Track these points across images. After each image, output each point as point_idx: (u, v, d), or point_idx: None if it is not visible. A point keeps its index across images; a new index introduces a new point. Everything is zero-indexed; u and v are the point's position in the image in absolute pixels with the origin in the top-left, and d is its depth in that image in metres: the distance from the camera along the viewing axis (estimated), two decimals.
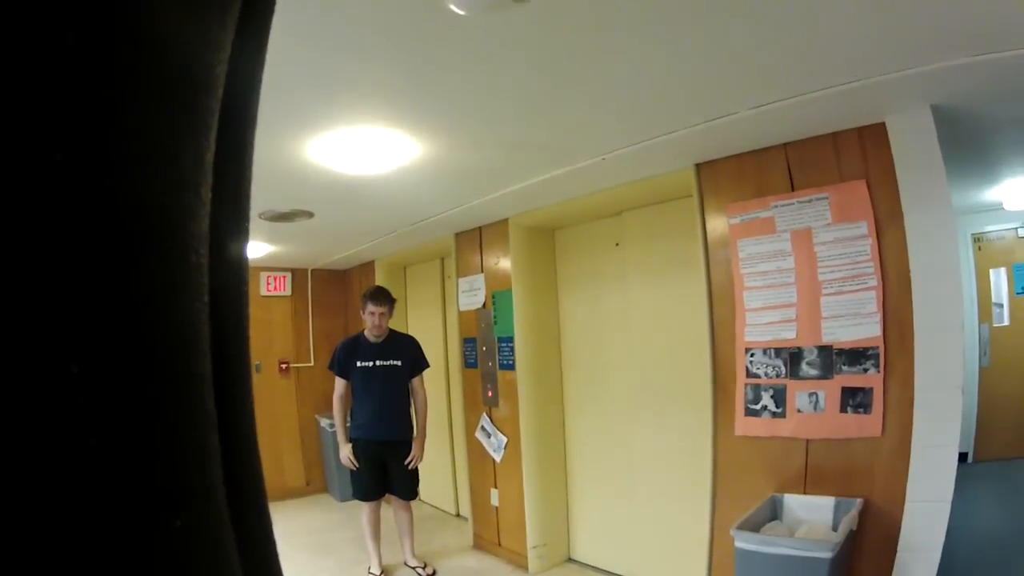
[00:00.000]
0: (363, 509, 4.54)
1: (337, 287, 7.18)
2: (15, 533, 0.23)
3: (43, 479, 0.24)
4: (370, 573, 4.49)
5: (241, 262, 0.41)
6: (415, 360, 4.51)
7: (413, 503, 4.64)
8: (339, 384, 4.46)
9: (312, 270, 6.97)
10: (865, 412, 2.62)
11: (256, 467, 0.44)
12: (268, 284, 6.69)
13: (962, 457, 5.24)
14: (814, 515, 2.75)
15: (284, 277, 6.78)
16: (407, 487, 4.53)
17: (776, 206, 2.86)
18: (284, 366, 6.70)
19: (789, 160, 2.85)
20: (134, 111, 0.28)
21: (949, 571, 2.57)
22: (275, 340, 6.70)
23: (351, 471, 4.50)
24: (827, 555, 2.33)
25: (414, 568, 4.58)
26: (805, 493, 2.82)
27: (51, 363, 0.25)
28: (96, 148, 0.26)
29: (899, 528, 2.55)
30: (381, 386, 4.39)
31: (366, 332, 4.44)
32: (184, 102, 0.31)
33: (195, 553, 0.32)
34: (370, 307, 4.35)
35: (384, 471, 4.47)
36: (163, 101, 0.30)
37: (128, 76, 0.28)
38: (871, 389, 2.60)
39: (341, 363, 4.44)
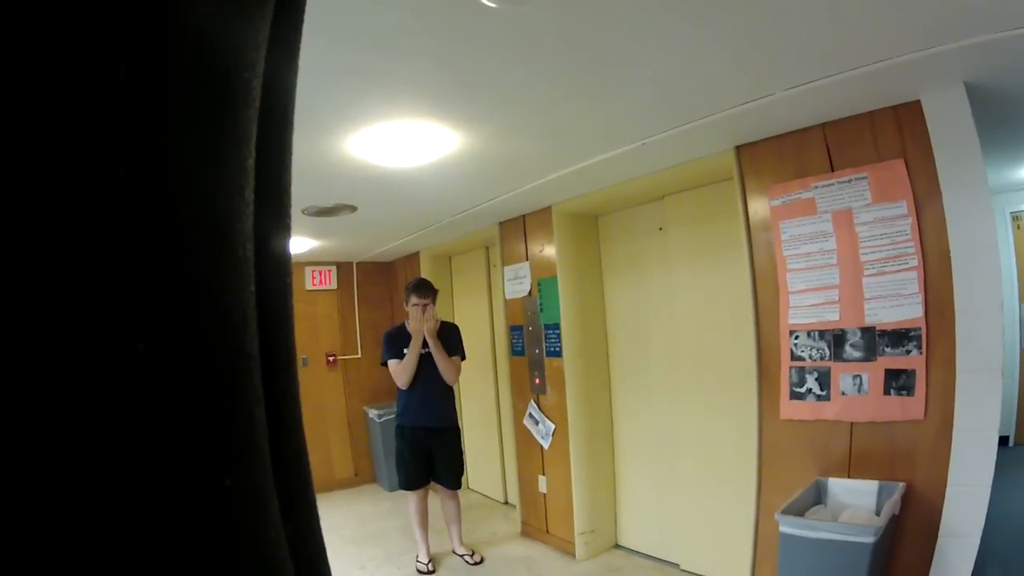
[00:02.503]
0: (410, 498, 4.67)
1: (382, 279, 7.34)
2: (91, 491, 0.27)
3: (112, 443, 0.28)
4: (418, 562, 4.61)
5: (284, 256, 0.45)
6: (452, 346, 4.60)
7: (462, 492, 4.75)
8: (393, 363, 4.50)
9: (357, 263, 7.15)
10: (908, 395, 2.65)
11: (300, 443, 0.48)
12: (314, 278, 6.87)
13: (1003, 441, 5.15)
14: (857, 499, 2.78)
15: (329, 271, 6.95)
16: (452, 476, 4.68)
17: (816, 187, 2.88)
18: (331, 359, 6.88)
19: (828, 140, 2.88)
20: (185, 128, 0.32)
21: (988, 557, 2.58)
22: (321, 333, 6.89)
23: (397, 461, 4.63)
24: (870, 540, 2.37)
25: (462, 556, 4.72)
26: (849, 477, 2.85)
27: (122, 342, 0.29)
28: (153, 162, 0.30)
29: (940, 513, 2.58)
30: (426, 373, 4.48)
31: (408, 323, 4.51)
32: (227, 115, 0.35)
33: (243, 509, 0.35)
34: (414, 299, 4.45)
35: (429, 460, 4.60)
36: (209, 116, 0.34)
37: (178, 99, 0.32)
38: (914, 371, 2.63)
39: (390, 348, 4.53)
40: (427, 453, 4.60)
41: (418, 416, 4.53)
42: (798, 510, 2.73)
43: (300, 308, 6.74)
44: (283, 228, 0.45)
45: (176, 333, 0.31)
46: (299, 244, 5.62)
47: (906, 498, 2.65)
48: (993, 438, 2.44)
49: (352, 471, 7.04)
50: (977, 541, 2.46)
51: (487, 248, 6.18)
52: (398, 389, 4.59)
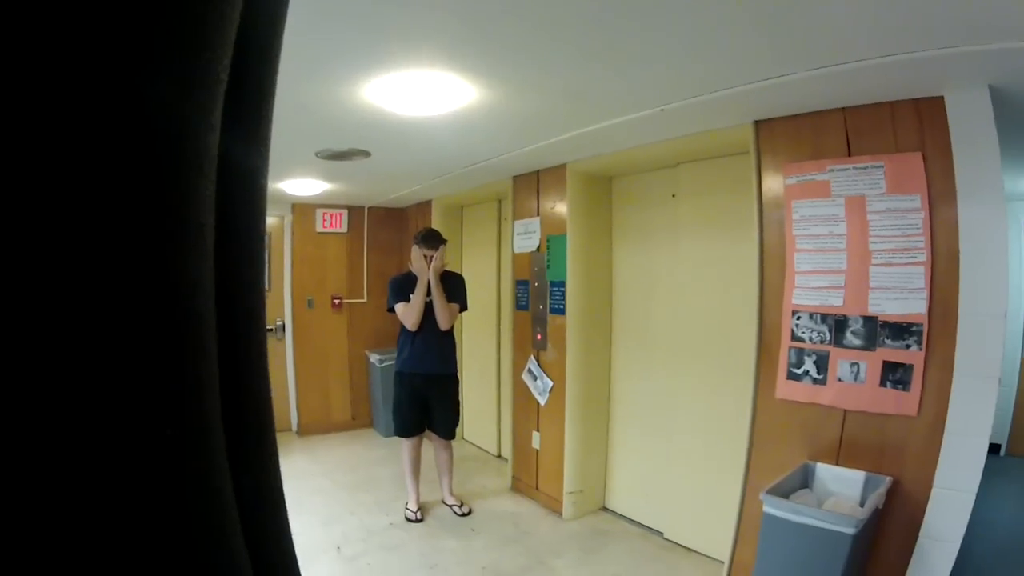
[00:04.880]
0: (403, 446, 4.79)
1: (394, 225, 7.38)
2: (41, 432, 0.29)
3: (56, 394, 0.29)
4: (407, 509, 4.74)
5: (258, 193, 0.44)
6: (453, 294, 4.66)
7: (456, 443, 4.85)
8: (401, 306, 4.57)
9: (369, 208, 7.18)
10: (904, 389, 2.70)
11: (262, 394, 0.49)
12: (324, 221, 6.92)
13: (995, 449, 5.22)
14: (843, 488, 2.86)
15: (340, 214, 7.00)
16: (447, 425, 4.79)
17: (832, 170, 2.89)
18: (337, 302, 6.97)
19: (847, 124, 2.88)
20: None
21: (968, 563, 2.64)
22: (329, 276, 6.98)
23: (394, 408, 4.73)
24: (851, 531, 2.44)
25: (450, 506, 4.86)
26: (837, 464, 2.93)
27: (69, 302, 0.29)
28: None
29: (924, 513, 2.65)
30: (429, 321, 4.56)
31: (412, 267, 4.60)
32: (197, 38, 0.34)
33: (184, 458, 0.36)
34: (423, 250, 4.52)
35: (426, 408, 4.72)
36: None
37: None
38: (911, 366, 2.68)
39: (397, 293, 4.60)
40: (424, 401, 4.70)
41: (419, 363, 4.61)
42: (784, 492, 2.80)
43: (309, 250, 6.83)
44: (260, 165, 0.45)
45: (125, 295, 0.32)
46: (311, 186, 5.67)
47: (891, 493, 2.72)
48: (983, 445, 2.50)
49: (350, 415, 7.18)
50: (956, 547, 2.54)
51: (499, 201, 6.21)
52: (399, 336, 4.69)
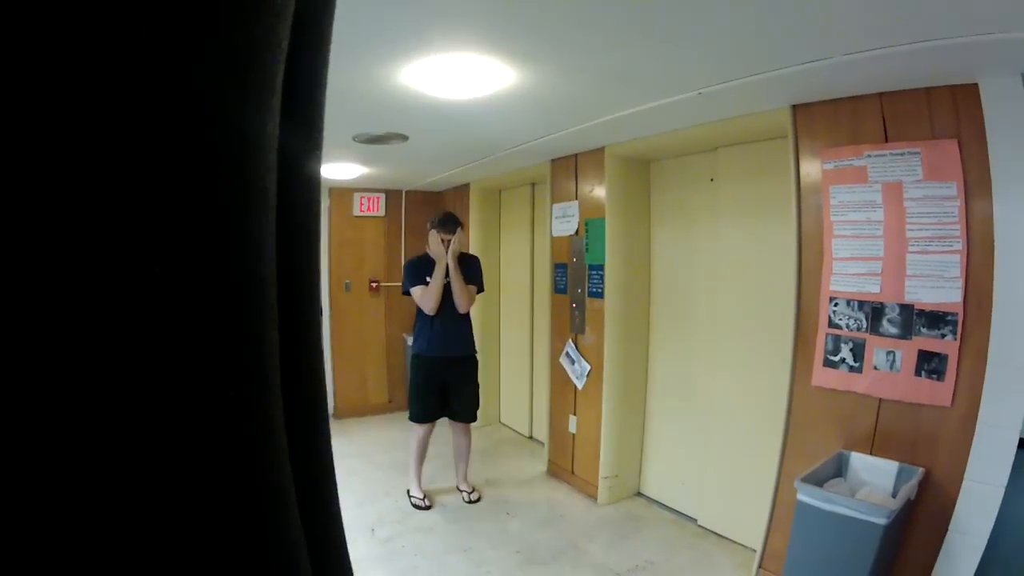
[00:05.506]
0: (416, 432, 4.73)
1: (431, 208, 7.29)
2: (98, 396, 0.29)
3: (121, 354, 0.30)
4: (413, 497, 4.76)
5: (312, 179, 0.45)
6: (470, 276, 4.66)
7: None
8: (418, 289, 4.56)
9: (407, 191, 7.24)
10: (938, 379, 2.68)
11: (318, 367, 0.49)
12: (361, 205, 6.99)
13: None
14: (876, 478, 2.85)
15: (378, 198, 7.07)
16: (468, 409, 4.77)
17: (869, 155, 2.87)
18: (374, 285, 7.06)
19: (884, 110, 2.85)
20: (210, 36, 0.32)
21: (994, 557, 2.61)
22: (366, 260, 7.06)
23: (412, 392, 4.72)
24: (883, 521, 2.44)
25: (463, 492, 4.92)
26: (871, 454, 2.92)
27: (136, 261, 0.30)
28: (175, 76, 0.30)
29: (954, 506, 2.64)
30: (447, 304, 4.55)
31: (429, 251, 4.58)
32: (257, 23, 0.34)
33: (244, 421, 0.37)
34: (441, 235, 4.50)
35: (444, 393, 4.70)
36: (235, 24, 0.33)
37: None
38: (946, 356, 2.65)
39: (413, 276, 4.58)
40: (443, 386, 4.67)
41: (440, 346, 4.59)
42: (818, 480, 2.81)
43: (347, 234, 6.90)
44: (313, 150, 0.45)
45: (189, 257, 0.32)
46: (348, 170, 5.74)
47: (923, 485, 2.71)
48: (1013, 438, 2.48)
49: (387, 397, 7.29)
50: (984, 542, 2.53)
51: (532, 185, 6.26)
52: (416, 320, 4.69)
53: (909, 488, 2.62)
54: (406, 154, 4.98)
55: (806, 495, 2.74)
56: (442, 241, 4.49)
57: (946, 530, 2.65)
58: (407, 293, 4.67)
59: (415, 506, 4.68)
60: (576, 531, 4.30)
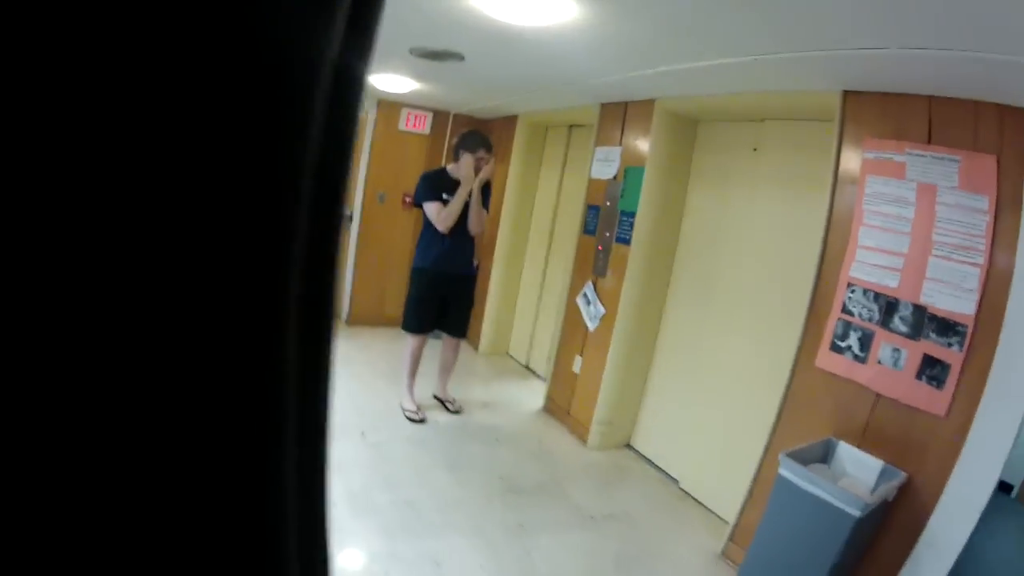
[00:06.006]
0: (412, 342, 4.84)
1: None
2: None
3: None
4: (407, 410, 4.87)
5: (358, 83, 0.42)
6: (487, 201, 4.78)
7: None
8: (434, 206, 4.58)
9: (454, 114, 7.20)
10: (938, 387, 2.70)
11: (330, 266, 0.46)
12: (408, 120, 6.98)
13: (1006, 488, 4.97)
14: (860, 472, 2.91)
15: (425, 116, 7.04)
16: (463, 324, 4.98)
17: (910, 153, 2.86)
18: (408, 199, 7.07)
19: (931, 112, 2.83)
20: None
21: None
22: (405, 175, 7.04)
23: (413, 304, 4.81)
24: (857, 513, 2.51)
25: (446, 402, 5.15)
26: (860, 447, 2.97)
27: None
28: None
29: (928, 518, 2.69)
30: (460, 223, 4.63)
31: (450, 169, 4.66)
32: None
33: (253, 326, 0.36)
34: (481, 152, 4.57)
35: (442, 308, 4.84)
36: None
37: None
38: (949, 366, 2.67)
39: (428, 191, 4.61)
40: (441, 300, 4.80)
41: (450, 263, 4.70)
42: (802, 460, 2.88)
43: (389, 147, 6.94)
44: (365, 53, 0.43)
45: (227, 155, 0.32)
46: (400, 83, 5.72)
47: (904, 489, 2.76)
48: (994, 470, 2.51)
49: (402, 312, 7.35)
50: (951, 562, 2.57)
51: (570, 127, 6.31)
52: (423, 234, 4.75)
53: (888, 488, 2.69)
54: (460, 75, 4.95)
55: (788, 470, 2.82)
56: (480, 158, 4.54)
57: (916, 541, 2.71)
58: (419, 205, 4.71)
59: (408, 419, 4.80)
60: (561, 469, 4.43)
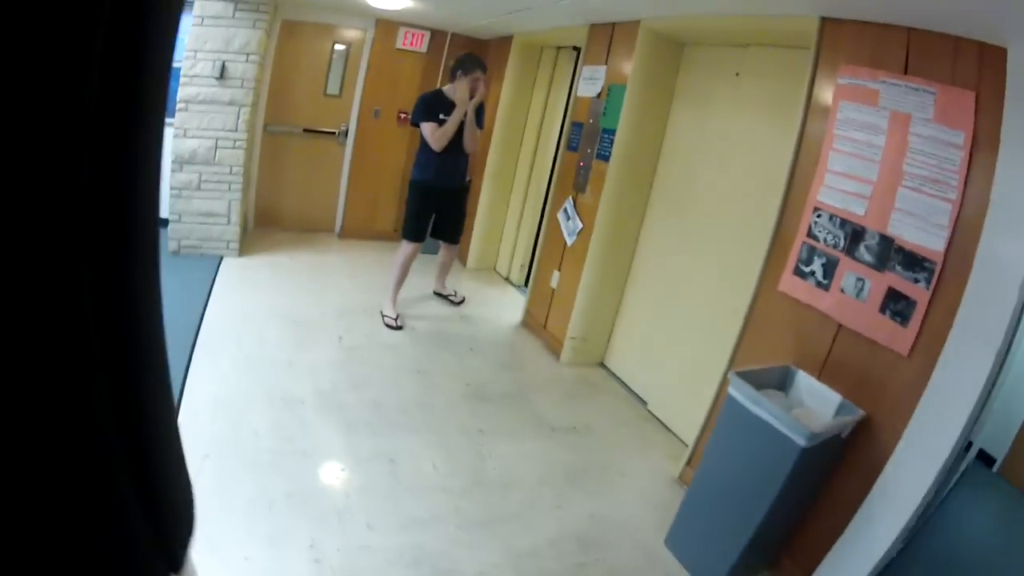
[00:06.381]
0: (408, 249, 4.85)
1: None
2: None
3: None
4: (387, 317, 4.89)
5: None
6: (480, 120, 4.91)
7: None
8: (430, 126, 4.62)
9: (452, 34, 6.90)
10: (902, 323, 2.50)
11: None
12: (404, 38, 6.71)
13: (989, 461, 4.44)
14: (817, 403, 2.73)
15: (422, 35, 6.75)
16: (457, 231, 5.26)
17: (885, 82, 2.62)
18: (403, 116, 6.87)
19: (909, 44, 2.57)
20: None
21: (918, 552, 2.45)
22: (400, 91, 6.83)
23: (412, 215, 4.89)
24: (802, 443, 2.34)
25: (447, 296, 5.54)
26: (819, 379, 2.79)
27: None
28: None
29: (883, 465, 2.49)
30: (457, 140, 4.73)
31: (446, 90, 4.73)
32: None
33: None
34: (477, 73, 4.63)
35: (438, 219, 5.06)
36: None
37: None
38: (915, 303, 2.46)
39: (425, 112, 4.65)
40: (438, 211, 5.00)
41: (446, 178, 4.87)
42: (757, 382, 2.70)
43: (385, 64, 6.73)
44: None
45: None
46: (393, 0, 5.48)
47: (861, 428, 2.58)
48: (962, 418, 2.26)
49: (392, 226, 7.25)
50: (905, 518, 2.36)
51: (558, 49, 6.24)
52: (420, 151, 4.82)
53: (842, 424, 2.50)
54: None
55: (737, 390, 2.68)
56: (476, 79, 4.60)
57: (870, 488, 2.52)
58: (416, 125, 4.76)
59: (387, 325, 4.79)
60: (529, 381, 4.36)
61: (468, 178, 5.28)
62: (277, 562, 2.41)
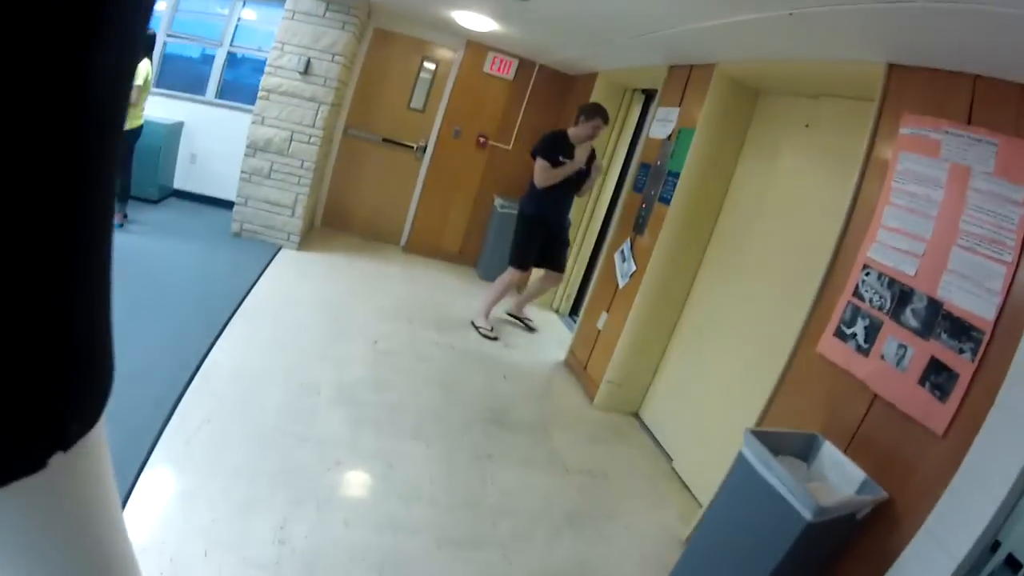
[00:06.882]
0: (511, 275, 5.27)
1: (558, 89, 7.14)
2: None
3: None
4: (478, 327, 5.31)
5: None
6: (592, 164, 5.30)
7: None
8: (543, 164, 5.02)
9: (540, 65, 6.98)
10: (940, 398, 2.22)
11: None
12: (493, 63, 6.84)
13: (1017, 567, 4.04)
14: (840, 479, 2.45)
15: (511, 62, 6.86)
16: (562, 260, 5.53)
17: (947, 132, 2.42)
18: (482, 140, 6.97)
19: (975, 92, 2.37)
20: None
21: None
22: (483, 114, 6.94)
23: (523, 243, 5.30)
24: (807, 516, 2.11)
25: (522, 319, 5.85)
26: (846, 452, 2.52)
27: None
28: None
29: (898, 555, 2.20)
30: (570, 181, 5.14)
31: (571, 133, 5.07)
32: None
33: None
34: (598, 122, 5.01)
35: (542, 251, 5.36)
36: None
37: None
38: (957, 375, 2.20)
39: (548, 149, 5.05)
40: (543, 243, 5.32)
41: (558, 214, 5.33)
42: (776, 446, 2.48)
43: (471, 86, 6.88)
44: None
45: None
46: (479, 22, 5.59)
47: (881, 511, 2.30)
48: (990, 509, 1.96)
49: (458, 248, 7.32)
50: None
51: (632, 92, 6.41)
52: (531, 186, 5.18)
53: (857, 502, 2.25)
54: (534, 15, 4.75)
55: (750, 449, 2.48)
56: (597, 128, 5.02)
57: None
58: (535, 156, 5.10)
59: (484, 336, 5.23)
60: (555, 417, 4.23)
61: (570, 217, 5.62)
62: (242, 532, 2.37)
